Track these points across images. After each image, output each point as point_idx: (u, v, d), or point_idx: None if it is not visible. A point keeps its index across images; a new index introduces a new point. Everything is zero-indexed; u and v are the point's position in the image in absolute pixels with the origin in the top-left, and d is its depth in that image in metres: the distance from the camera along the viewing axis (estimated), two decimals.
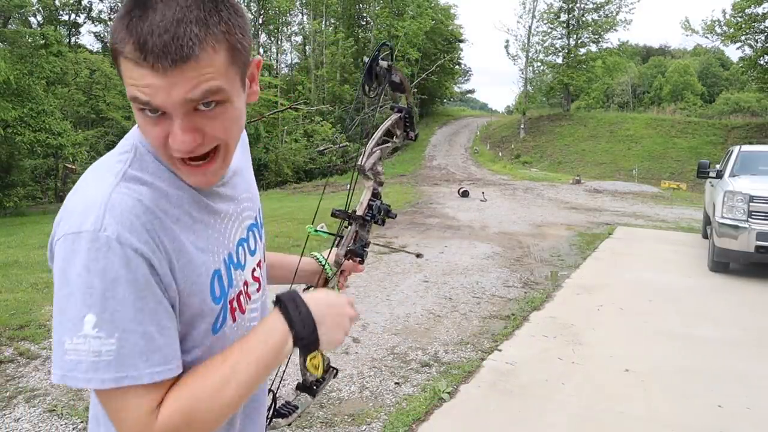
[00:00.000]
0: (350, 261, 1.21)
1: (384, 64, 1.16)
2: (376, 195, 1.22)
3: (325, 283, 1.26)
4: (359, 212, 1.20)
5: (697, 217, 13.22)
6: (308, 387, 1.16)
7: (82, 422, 3.32)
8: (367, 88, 1.17)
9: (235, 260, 0.98)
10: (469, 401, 3.74)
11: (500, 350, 4.67)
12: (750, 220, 7.27)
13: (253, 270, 1.05)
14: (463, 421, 3.49)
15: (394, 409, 3.61)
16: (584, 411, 3.64)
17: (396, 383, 4.00)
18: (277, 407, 1.16)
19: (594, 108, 54.18)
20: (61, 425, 3.30)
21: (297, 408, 1.15)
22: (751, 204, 7.32)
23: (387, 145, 1.27)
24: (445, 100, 57.43)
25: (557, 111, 42.22)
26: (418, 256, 8.16)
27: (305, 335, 0.92)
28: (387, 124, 1.27)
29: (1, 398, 3.62)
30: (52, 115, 20.34)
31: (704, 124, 34.31)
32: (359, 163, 1.21)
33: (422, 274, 7.25)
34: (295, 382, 1.19)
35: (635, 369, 4.32)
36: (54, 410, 3.47)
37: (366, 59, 1.14)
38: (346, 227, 1.21)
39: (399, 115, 1.27)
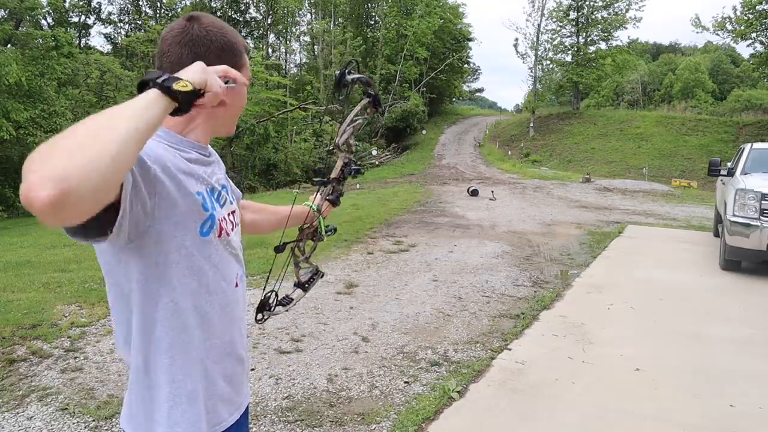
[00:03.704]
0: (329, 205, 1.75)
1: (349, 78, 1.53)
2: (347, 164, 1.71)
3: (315, 230, 1.74)
4: (334, 175, 1.71)
5: (709, 216, 13.14)
6: (301, 285, 1.68)
7: (93, 420, 3.35)
8: (336, 94, 1.53)
9: (215, 196, 1.31)
10: (478, 400, 3.74)
11: (510, 349, 4.66)
12: (762, 218, 7.21)
13: (228, 214, 1.37)
14: (472, 420, 3.49)
15: (403, 408, 3.61)
16: (595, 410, 3.62)
17: (406, 382, 4.00)
18: (278, 299, 1.59)
19: (604, 106, 53.99)
20: (73, 423, 3.33)
21: (293, 300, 1.64)
22: (763, 202, 7.26)
23: (358, 122, 1.66)
24: (454, 99, 57.36)
25: (567, 109, 42.01)
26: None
27: (160, 77, 1.01)
28: (357, 108, 1.64)
29: (14, 397, 3.65)
30: (63, 116, 20.45)
31: (715, 121, 34.03)
32: (336, 141, 1.66)
33: (432, 274, 7.25)
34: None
35: (646, 368, 4.30)
36: (66, 409, 3.50)
37: (337, 72, 1.53)
38: (325, 186, 1.73)
39: (369, 99, 1.64)
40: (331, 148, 1.67)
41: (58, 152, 0.81)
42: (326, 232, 1.77)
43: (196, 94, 1.05)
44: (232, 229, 1.38)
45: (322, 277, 1.77)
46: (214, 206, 1.29)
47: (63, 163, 0.79)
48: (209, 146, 1.42)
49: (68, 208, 0.80)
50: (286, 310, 1.64)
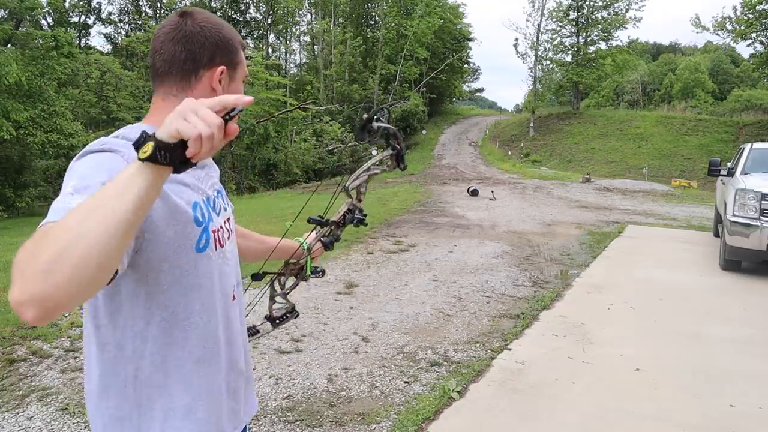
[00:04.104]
0: (321, 247, 1.65)
1: (376, 126, 1.45)
2: (351, 210, 1.61)
3: (302, 269, 1.64)
4: (334, 219, 1.61)
5: (709, 216, 13.14)
6: (272, 320, 1.60)
7: None
8: (358, 138, 1.47)
9: (212, 204, 1.26)
10: (478, 400, 3.74)
11: (510, 349, 4.66)
12: (762, 218, 7.21)
13: (224, 222, 1.31)
14: (472, 420, 3.49)
15: (403, 408, 3.61)
16: (594, 410, 3.62)
17: (406, 382, 4.00)
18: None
19: (604, 106, 54.02)
20: (73, 423, 3.32)
21: (259, 332, 1.58)
22: (762, 202, 7.26)
23: (375, 172, 1.59)
24: (454, 99, 57.42)
25: (567, 109, 42.06)
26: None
27: (138, 140, 0.86)
28: (378, 157, 1.56)
29: (14, 397, 3.65)
30: (63, 116, 20.48)
31: (715, 121, 34.07)
32: (346, 184, 1.57)
33: (432, 274, 7.25)
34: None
35: (646, 368, 4.30)
36: (66, 409, 3.49)
37: (365, 116, 1.44)
38: (322, 228, 1.63)
39: (392, 152, 1.55)
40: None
41: (42, 262, 0.78)
42: (313, 273, 1.65)
43: (180, 147, 0.84)
44: (228, 237, 1.32)
45: (296, 317, 1.66)
46: (210, 216, 1.23)
47: (45, 282, 0.78)
48: None
49: (59, 313, 0.82)
50: (248, 341, 1.51)
